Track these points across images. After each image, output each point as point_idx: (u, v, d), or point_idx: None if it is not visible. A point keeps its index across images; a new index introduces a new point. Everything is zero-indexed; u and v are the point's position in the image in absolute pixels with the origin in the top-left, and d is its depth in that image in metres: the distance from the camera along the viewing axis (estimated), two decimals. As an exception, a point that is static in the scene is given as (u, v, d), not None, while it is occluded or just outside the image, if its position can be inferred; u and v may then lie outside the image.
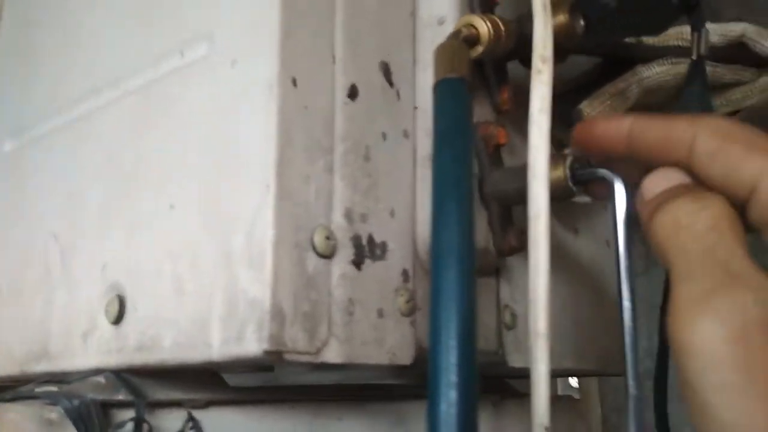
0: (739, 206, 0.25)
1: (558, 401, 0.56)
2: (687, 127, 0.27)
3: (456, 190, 0.25)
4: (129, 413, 0.31)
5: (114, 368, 0.32)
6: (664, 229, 0.25)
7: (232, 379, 0.38)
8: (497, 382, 0.54)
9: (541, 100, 0.29)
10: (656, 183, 0.28)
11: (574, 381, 0.63)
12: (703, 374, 0.22)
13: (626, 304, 0.32)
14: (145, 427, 0.31)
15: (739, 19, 0.46)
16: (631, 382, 0.32)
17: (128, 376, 0.33)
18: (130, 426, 0.31)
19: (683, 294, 0.23)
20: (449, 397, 0.23)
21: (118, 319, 0.32)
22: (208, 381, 0.36)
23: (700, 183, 0.27)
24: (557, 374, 0.55)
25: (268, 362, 0.28)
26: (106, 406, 0.31)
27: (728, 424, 0.21)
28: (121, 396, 0.32)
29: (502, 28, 0.34)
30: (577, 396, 0.62)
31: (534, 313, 0.27)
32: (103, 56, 0.38)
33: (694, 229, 0.24)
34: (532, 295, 0.27)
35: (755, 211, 0.25)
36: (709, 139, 0.26)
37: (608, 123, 0.30)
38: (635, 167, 0.30)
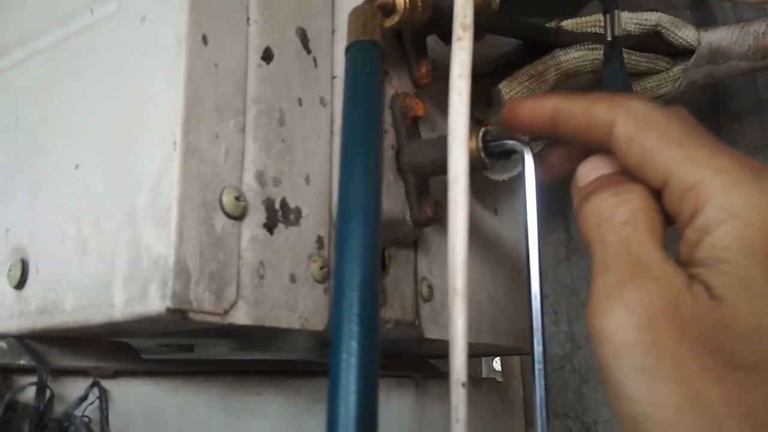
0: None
1: (481, 383, 0.57)
2: (607, 110, 0.27)
3: (364, 144, 0.26)
4: (32, 379, 0.30)
5: (16, 334, 0.31)
6: (588, 221, 0.26)
7: (148, 355, 0.37)
8: (420, 362, 0.54)
9: (461, 66, 0.30)
10: (588, 171, 0.28)
11: (497, 364, 0.64)
12: (616, 358, 0.23)
13: (534, 271, 0.33)
14: (48, 392, 0.30)
15: (655, 10, 0.47)
16: (536, 347, 0.32)
17: (32, 342, 0.32)
18: (31, 391, 0.30)
19: (599, 284, 0.25)
20: (351, 347, 0.23)
21: (20, 284, 0.31)
22: (118, 351, 0.35)
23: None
24: (478, 352, 0.56)
25: (173, 322, 0.27)
26: (8, 372, 0.30)
27: (639, 401, 0.23)
28: (23, 361, 0.31)
29: (419, -1, 0.34)
30: (500, 379, 0.63)
31: (452, 271, 0.27)
32: (11, 15, 0.37)
33: (612, 222, 0.25)
34: (450, 255, 0.28)
35: (667, 202, 0.25)
36: (628, 124, 0.26)
37: (533, 104, 0.30)
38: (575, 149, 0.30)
